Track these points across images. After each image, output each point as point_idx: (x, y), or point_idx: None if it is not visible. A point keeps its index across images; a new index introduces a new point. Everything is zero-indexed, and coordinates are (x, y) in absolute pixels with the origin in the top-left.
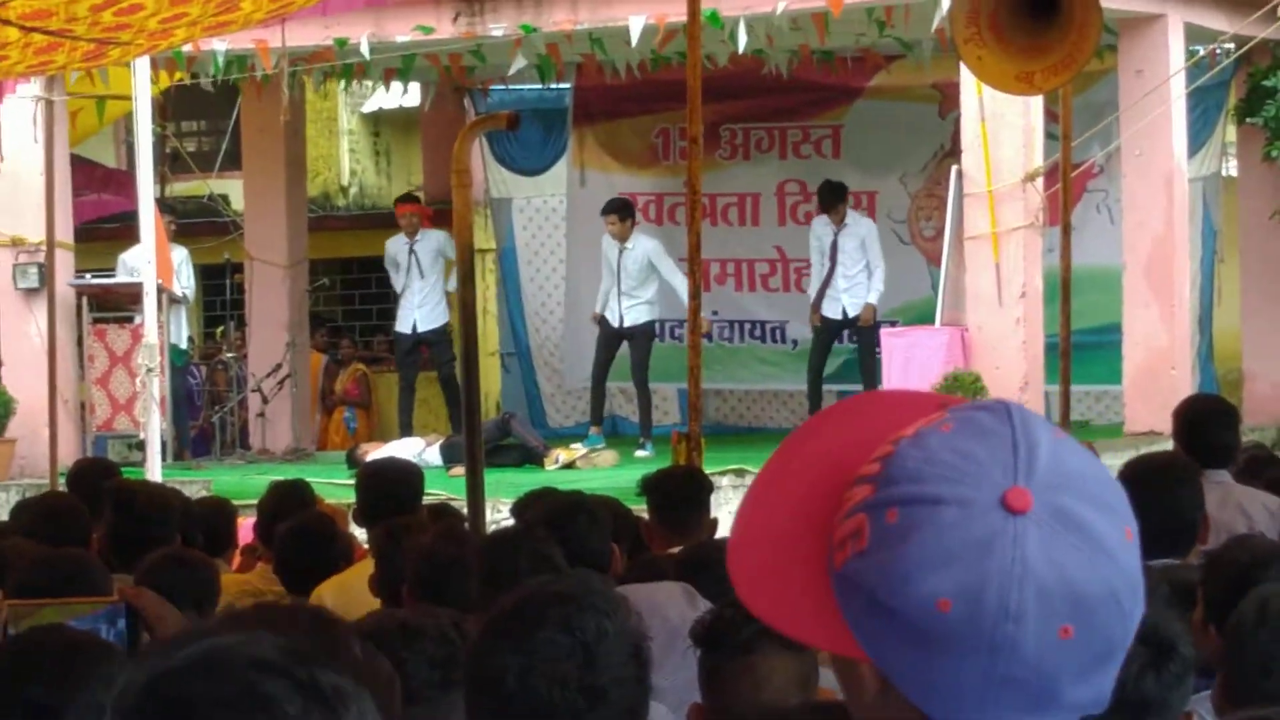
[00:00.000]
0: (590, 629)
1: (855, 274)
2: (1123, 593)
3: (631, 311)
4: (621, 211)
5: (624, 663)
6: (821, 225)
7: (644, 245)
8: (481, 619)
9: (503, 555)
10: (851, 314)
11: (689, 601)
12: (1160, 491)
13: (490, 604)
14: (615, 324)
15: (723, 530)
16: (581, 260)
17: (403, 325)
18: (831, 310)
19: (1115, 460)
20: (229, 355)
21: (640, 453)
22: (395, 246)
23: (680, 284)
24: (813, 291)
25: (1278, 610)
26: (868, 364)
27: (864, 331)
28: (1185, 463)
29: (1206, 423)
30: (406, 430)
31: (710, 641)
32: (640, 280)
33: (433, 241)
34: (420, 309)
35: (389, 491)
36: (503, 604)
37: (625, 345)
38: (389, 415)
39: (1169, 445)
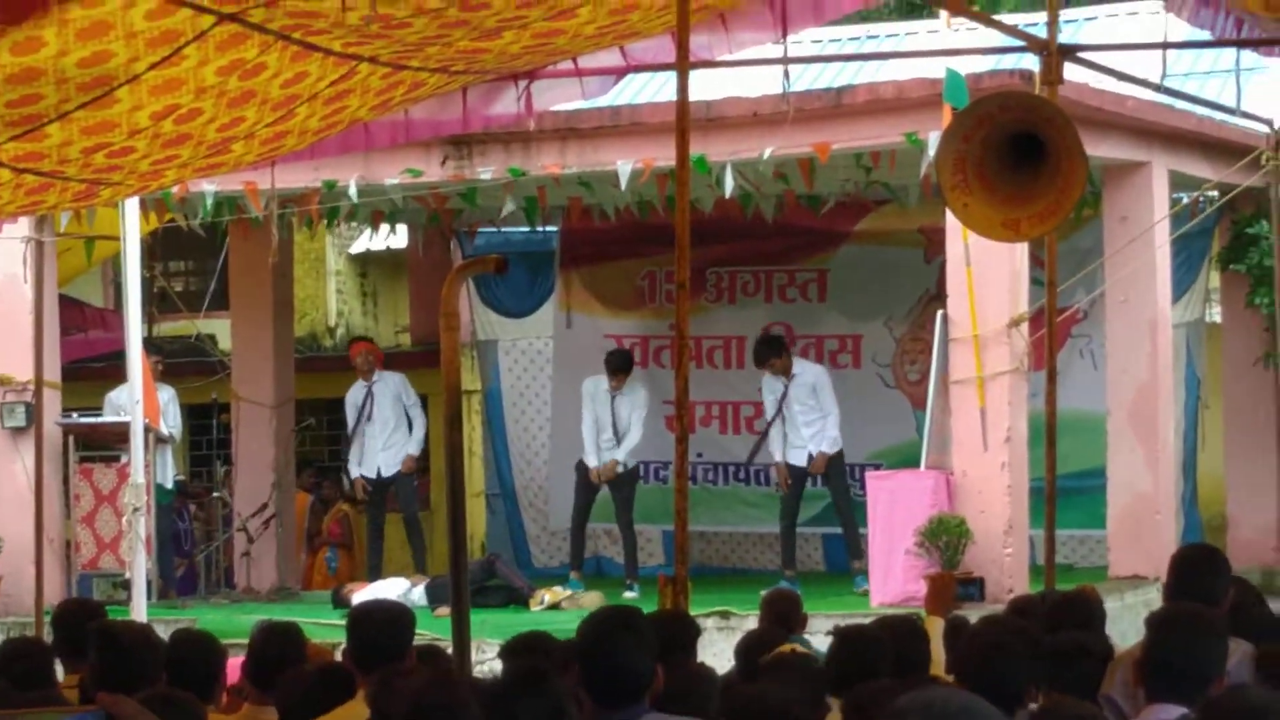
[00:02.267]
0: None
1: (814, 420)
2: None
3: (820, 444)
4: (626, 365)
5: None
6: (770, 379)
7: (637, 392)
8: None
9: (505, 708)
10: (828, 447)
11: None
12: (1185, 640)
13: None
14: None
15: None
16: (567, 401)
17: (366, 469)
18: (797, 458)
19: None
20: (216, 495)
21: (627, 594)
22: (354, 392)
23: (631, 435)
24: (774, 447)
25: None
26: (843, 506)
27: (832, 476)
28: (1218, 620)
29: (1196, 569)
30: (376, 572)
31: None
32: (628, 426)
33: (390, 384)
34: (384, 452)
35: (380, 635)
36: None
37: (607, 489)
38: None
39: (1153, 589)
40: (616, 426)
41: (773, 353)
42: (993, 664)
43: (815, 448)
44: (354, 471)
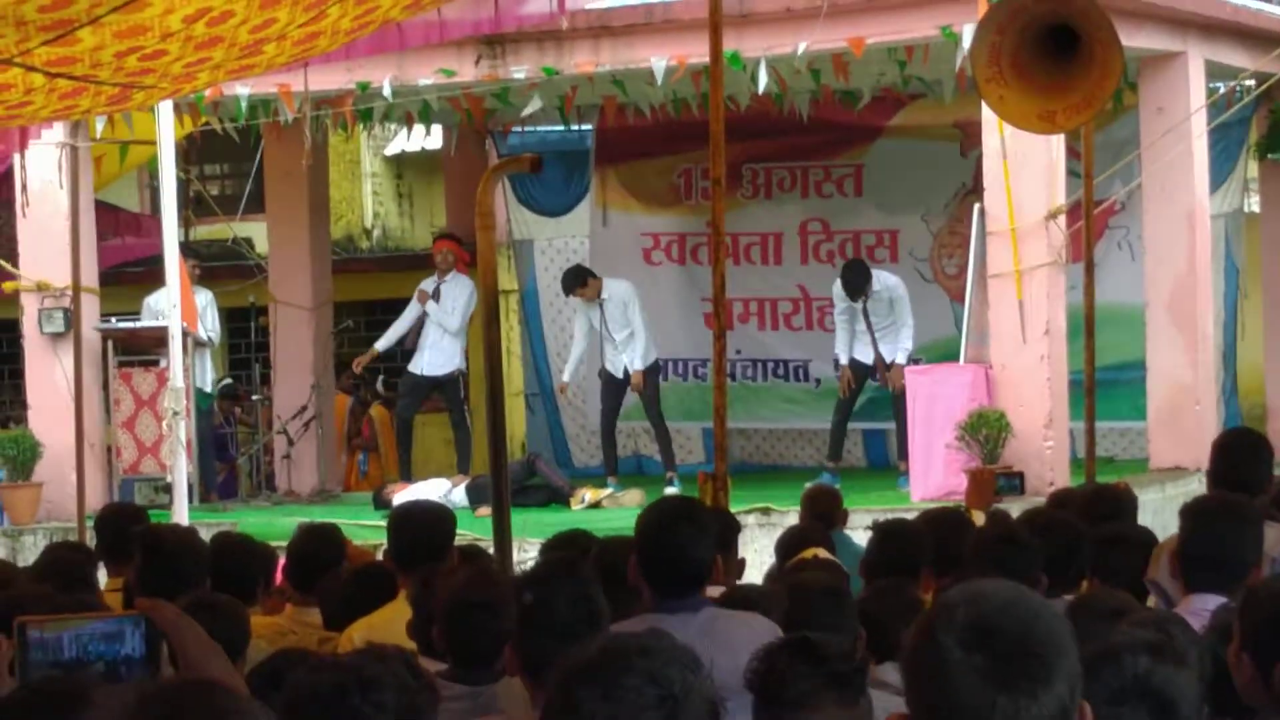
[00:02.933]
0: (676, 682)
1: (887, 327)
2: None
3: (634, 361)
4: (582, 279)
5: (704, 717)
6: (844, 300)
7: (616, 290)
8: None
9: (542, 597)
10: (888, 359)
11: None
12: (1221, 529)
13: (524, 640)
14: (619, 375)
15: (750, 569)
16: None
17: (416, 366)
18: (865, 355)
19: (1141, 495)
20: (256, 398)
21: (668, 489)
22: (426, 283)
23: (639, 340)
24: (840, 349)
25: None
26: (900, 410)
27: (894, 376)
28: (1251, 508)
29: (1239, 454)
30: (407, 472)
31: (764, 694)
32: (628, 328)
33: (460, 288)
34: (431, 351)
35: (421, 536)
36: (585, 652)
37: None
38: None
39: (1194, 480)
40: (613, 334)
41: (866, 280)
42: (1005, 556)
43: (888, 354)
44: (414, 365)
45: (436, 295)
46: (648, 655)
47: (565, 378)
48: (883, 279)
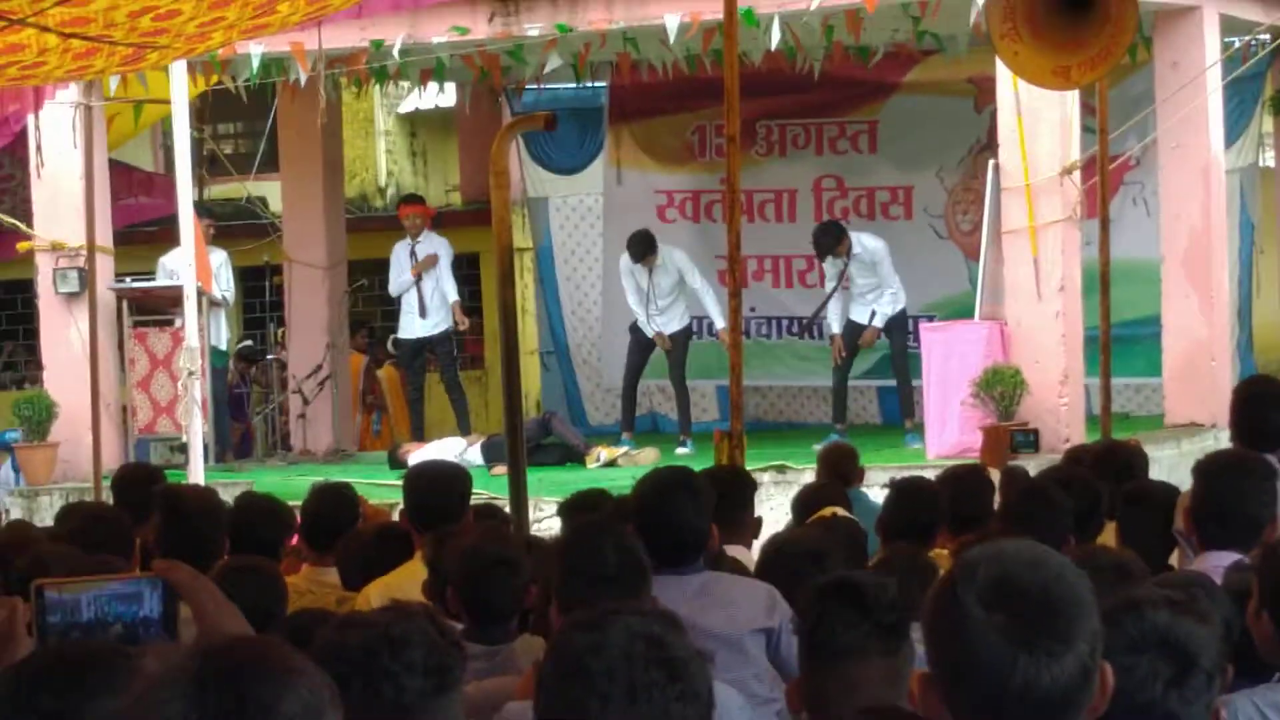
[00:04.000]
0: (664, 623)
1: (874, 288)
2: None
3: (669, 324)
4: (653, 247)
5: (693, 651)
6: (830, 263)
7: (673, 258)
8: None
9: (588, 550)
10: (879, 321)
11: (769, 606)
12: (1233, 485)
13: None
14: (651, 337)
15: (766, 527)
16: (618, 258)
17: (406, 331)
18: (860, 315)
19: (1158, 451)
20: (271, 358)
21: (680, 450)
22: (400, 250)
23: (711, 299)
24: (833, 318)
25: None
26: (900, 365)
27: (894, 333)
28: (1263, 462)
29: (1259, 404)
30: (419, 433)
31: (811, 641)
32: (672, 294)
33: (434, 246)
34: (413, 314)
35: (436, 496)
36: (579, 611)
37: (659, 350)
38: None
39: (1210, 436)
40: (658, 299)
41: (834, 241)
42: (1037, 515)
43: (879, 309)
44: (403, 331)
45: (415, 259)
46: (634, 608)
47: (663, 330)
48: (863, 241)
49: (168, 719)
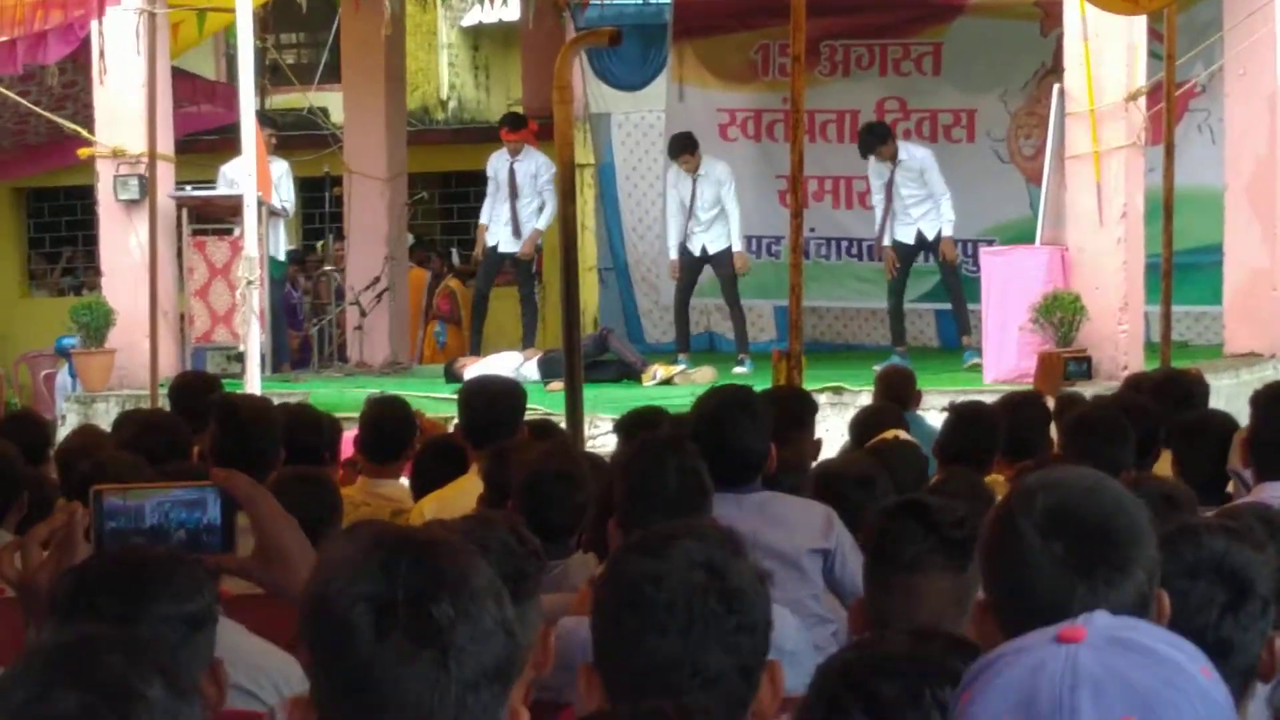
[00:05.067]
0: (724, 547)
1: (923, 201)
2: (1193, 695)
3: (715, 241)
4: (690, 147)
5: (753, 578)
6: (876, 164)
7: (716, 171)
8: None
9: (651, 469)
10: (929, 236)
11: (826, 526)
12: None
13: (634, 514)
14: (697, 253)
15: (824, 449)
16: None
17: (490, 239)
18: (905, 235)
19: (1216, 381)
20: (329, 268)
21: (738, 369)
22: (497, 162)
23: (735, 219)
24: (885, 235)
25: None
26: (953, 283)
27: (944, 249)
28: None
29: None
30: (478, 343)
31: (877, 554)
32: (715, 208)
33: (533, 164)
34: (508, 227)
35: (492, 410)
36: (637, 533)
37: (710, 269)
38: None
39: (1269, 366)
40: (697, 210)
41: (878, 140)
42: (1095, 441)
43: (928, 228)
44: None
45: (513, 174)
46: (695, 530)
47: (672, 255)
48: (910, 149)
49: (364, 594)
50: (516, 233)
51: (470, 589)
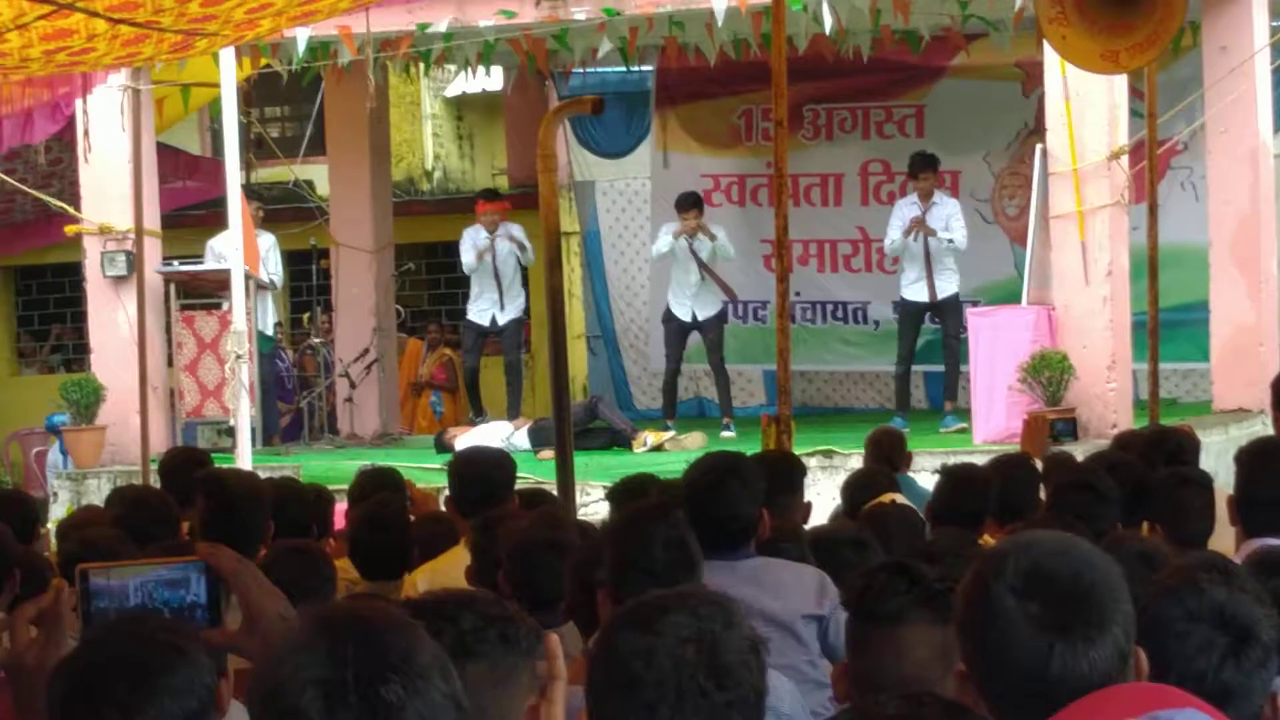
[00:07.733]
0: (717, 619)
1: (943, 254)
2: None
3: (705, 307)
4: (700, 205)
5: (745, 650)
6: (908, 205)
7: (719, 234)
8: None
9: (637, 540)
10: (941, 297)
11: (820, 592)
12: (1276, 471)
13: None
14: (687, 319)
15: (814, 513)
16: None
17: (480, 318)
18: (917, 294)
19: (1206, 437)
20: (317, 340)
21: (724, 434)
22: (476, 236)
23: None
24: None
25: None
26: (952, 347)
27: (948, 314)
28: None
29: None
30: (479, 411)
31: (859, 610)
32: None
33: (507, 240)
34: (494, 307)
35: (482, 481)
36: (630, 602)
37: (697, 333)
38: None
39: (1258, 421)
40: (696, 273)
41: (930, 167)
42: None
43: (946, 284)
44: (473, 315)
45: (494, 251)
46: (687, 597)
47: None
48: (945, 197)
49: (313, 679)
50: (503, 308)
51: (417, 666)
